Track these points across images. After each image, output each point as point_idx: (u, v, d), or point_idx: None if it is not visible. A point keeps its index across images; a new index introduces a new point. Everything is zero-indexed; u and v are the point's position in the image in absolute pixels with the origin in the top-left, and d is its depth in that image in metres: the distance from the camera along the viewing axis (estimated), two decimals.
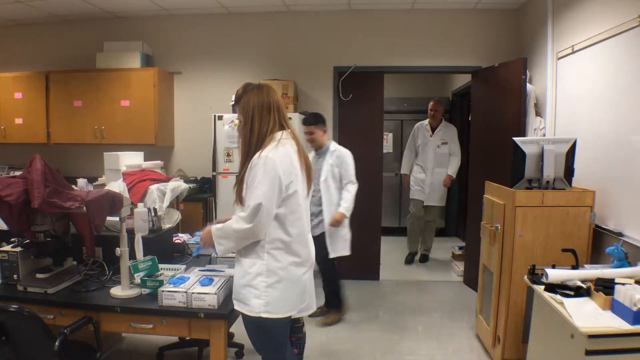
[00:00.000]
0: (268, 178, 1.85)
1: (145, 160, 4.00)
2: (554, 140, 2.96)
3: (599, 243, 2.85)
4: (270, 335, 1.98)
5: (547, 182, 2.89)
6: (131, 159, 3.83)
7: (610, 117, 2.88)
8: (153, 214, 2.78)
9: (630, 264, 2.35)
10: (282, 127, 1.99)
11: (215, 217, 4.39)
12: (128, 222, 2.30)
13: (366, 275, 4.94)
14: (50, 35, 5.17)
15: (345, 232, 3.69)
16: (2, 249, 2.37)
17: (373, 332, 3.65)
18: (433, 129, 5.45)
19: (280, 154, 1.90)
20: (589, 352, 1.86)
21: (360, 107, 4.88)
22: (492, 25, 4.69)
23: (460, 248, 5.35)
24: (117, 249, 2.22)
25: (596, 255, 2.85)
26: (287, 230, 1.94)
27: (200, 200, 4.64)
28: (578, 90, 3.32)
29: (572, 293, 2.16)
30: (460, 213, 6.59)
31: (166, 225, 2.93)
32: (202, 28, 5.00)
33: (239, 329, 3.35)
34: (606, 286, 2.10)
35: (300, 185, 1.98)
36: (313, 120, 3.64)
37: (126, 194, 3.11)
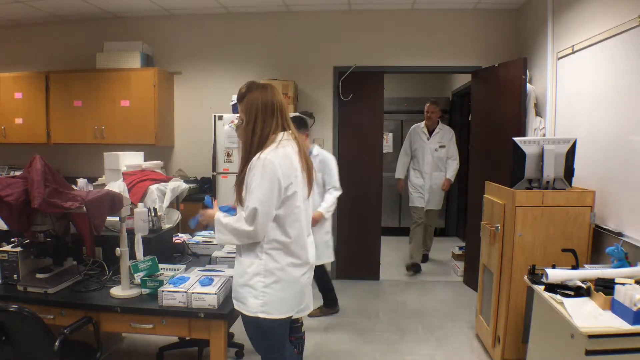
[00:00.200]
0: (267, 180, 1.84)
1: (145, 160, 4.00)
2: (554, 140, 2.96)
3: (599, 243, 2.85)
4: (268, 336, 1.98)
5: (547, 182, 2.89)
6: (131, 159, 3.83)
7: (610, 117, 2.88)
8: (153, 214, 2.78)
9: (630, 264, 2.35)
10: (283, 129, 1.98)
11: None
12: (128, 222, 2.30)
13: (366, 275, 4.94)
14: (50, 35, 5.17)
15: (328, 239, 3.65)
16: (2, 249, 2.37)
17: (373, 332, 3.65)
18: (430, 132, 5.28)
19: (280, 155, 1.89)
20: (589, 352, 1.86)
21: (360, 107, 4.88)
22: (492, 25, 4.69)
23: (460, 248, 5.35)
24: (117, 249, 2.22)
25: (596, 255, 2.85)
26: (286, 231, 1.93)
27: (200, 200, 4.62)
28: (578, 90, 3.32)
29: (572, 293, 2.16)
30: (460, 213, 6.59)
31: (166, 225, 2.93)
32: (202, 28, 5.00)
33: (239, 329, 3.34)
34: (606, 286, 2.10)
35: (300, 187, 1.97)
36: (295, 124, 3.54)
37: (126, 194, 3.10)
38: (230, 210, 2.08)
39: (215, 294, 2.08)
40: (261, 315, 1.91)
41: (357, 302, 4.27)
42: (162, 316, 2.12)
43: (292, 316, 2.02)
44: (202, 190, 4.85)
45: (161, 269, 2.37)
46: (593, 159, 3.02)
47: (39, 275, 2.36)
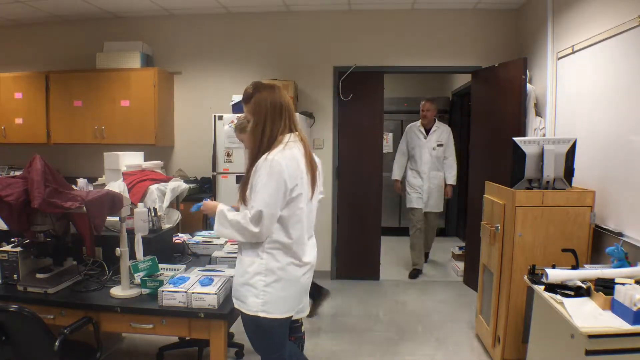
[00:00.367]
0: (273, 181, 1.84)
1: (145, 160, 4.00)
2: (554, 140, 2.96)
3: (599, 243, 2.85)
4: (268, 335, 1.98)
5: (547, 182, 2.89)
6: (131, 159, 3.83)
7: (610, 117, 2.88)
8: (153, 214, 2.78)
9: (630, 264, 2.35)
10: (290, 130, 1.98)
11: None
12: (128, 222, 2.30)
13: (366, 275, 4.94)
14: (50, 35, 5.17)
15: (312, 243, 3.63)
16: (2, 249, 2.37)
17: (373, 332, 3.65)
18: (427, 131, 5.09)
19: (287, 156, 1.89)
20: (589, 352, 1.86)
21: (360, 107, 4.88)
22: (492, 25, 4.69)
23: (460, 248, 5.35)
24: (117, 249, 2.22)
25: (596, 255, 2.85)
26: (289, 232, 1.93)
27: (200, 200, 4.61)
28: (578, 90, 3.32)
29: (572, 293, 2.16)
30: (460, 213, 6.59)
31: (166, 225, 2.93)
32: (202, 28, 5.00)
33: (239, 329, 3.35)
34: (606, 286, 2.10)
35: (305, 189, 1.97)
36: None
37: (126, 194, 3.10)
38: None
39: (215, 294, 2.08)
40: (261, 315, 1.91)
41: (357, 302, 4.28)
42: (162, 316, 2.12)
43: (292, 316, 2.02)
44: (202, 190, 4.85)
45: (161, 269, 2.37)
46: (593, 159, 3.02)
47: (39, 275, 2.36)
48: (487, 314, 3.24)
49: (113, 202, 2.20)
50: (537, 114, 3.95)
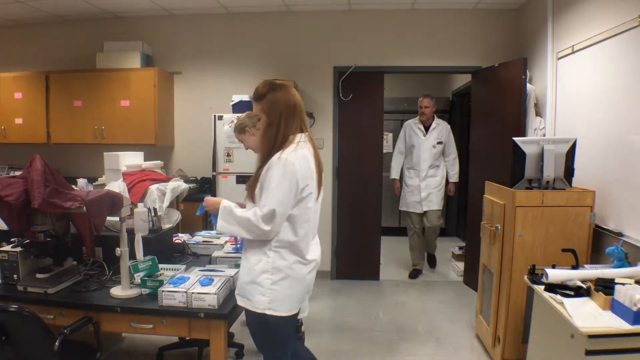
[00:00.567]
0: (287, 180, 1.85)
1: (145, 160, 4.00)
2: (554, 140, 2.96)
3: (599, 243, 2.85)
4: (274, 333, 1.98)
5: (547, 182, 2.89)
6: (131, 159, 3.83)
7: (610, 117, 2.88)
8: (153, 214, 2.78)
9: (630, 264, 2.35)
10: (301, 130, 2.00)
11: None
12: (128, 222, 2.30)
13: (366, 275, 4.94)
14: (50, 35, 5.17)
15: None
16: (2, 249, 2.37)
17: (373, 332, 3.65)
18: (426, 128, 4.94)
19: (300, 156, 1.90)
20: (589, 352, 1.86)
21: (360, 107, 4.88)
22: (492, 25, 4.69)
23: (460, 248, 5.35)
24: (117, 249, 2.22)
25: (596, 255, 2.85)
26: (296, 230, 1.94)
27: (200, 200, 4.57)
28: (578, 90, 3.32)
29: (572, 293, 2.16)
30: (460, 213, 6.59)
31: (166, 225, 2.93)
32: (202, 28, 5.00)
33: (239, 329, 3.36)
34: (606, 286, 2.10)
35: (314, 188, 1.98)
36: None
37: (126, 194, 3.10)
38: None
39: (215, 294, 2.08)
40: (268, 312, 1.91)
41: (357, 302, 4.28)
42: (162, 316, 2.11)
43: (297, 313, 2.03)
44: (202, 190, 4.85)
45: (161, 269, 2.37)
46: (593, 159, 3.02)
47: (39, 275, 2.35)
48: (487, 314, 3.24)
49: (113, 202, 2.20)
50: (537, 114, 3.95)
